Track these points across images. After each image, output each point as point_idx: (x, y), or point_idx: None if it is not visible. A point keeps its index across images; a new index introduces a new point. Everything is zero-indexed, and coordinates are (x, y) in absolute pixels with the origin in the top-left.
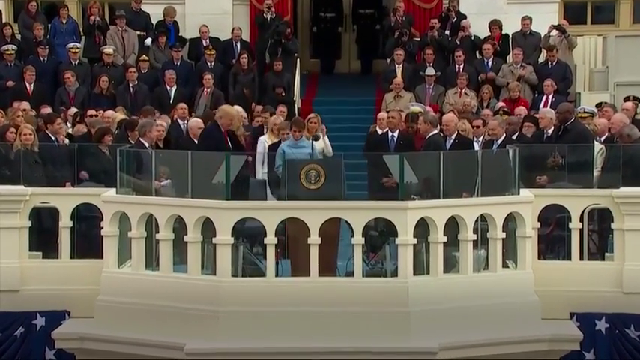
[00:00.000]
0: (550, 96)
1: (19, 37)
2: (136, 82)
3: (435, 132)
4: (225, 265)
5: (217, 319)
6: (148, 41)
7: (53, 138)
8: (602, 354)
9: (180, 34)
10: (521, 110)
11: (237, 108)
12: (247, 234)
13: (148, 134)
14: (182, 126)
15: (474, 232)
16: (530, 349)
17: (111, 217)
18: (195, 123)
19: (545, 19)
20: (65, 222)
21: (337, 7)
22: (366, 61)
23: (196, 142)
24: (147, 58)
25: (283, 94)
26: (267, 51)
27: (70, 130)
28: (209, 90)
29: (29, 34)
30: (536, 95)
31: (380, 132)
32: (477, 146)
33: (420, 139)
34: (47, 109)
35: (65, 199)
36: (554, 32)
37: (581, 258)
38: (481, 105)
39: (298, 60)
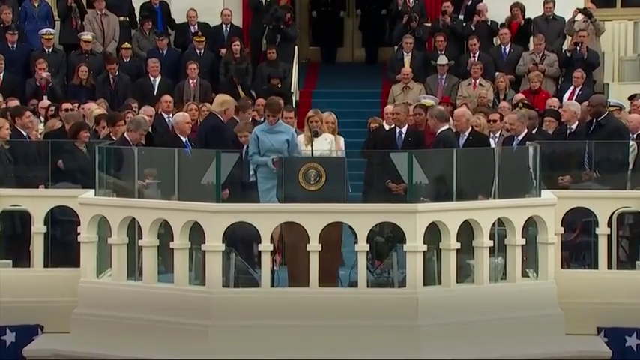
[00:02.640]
0: (578, 88)
1: None
2: (117, 73)
3: (446, 127)
4: (215, 275)
5: (207, 333)
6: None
7: (24, 134)
8: None
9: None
10: (554, 102)
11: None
12: (240, 240)
13: (133, 132)
14: (167, 120)
15: (490, 238)
16: None
17: (89, 222)
18: (183, 117)
19: (570, 2)
20: (38, 227)
21: None
22: (371, 49)
23: (183, 138)
24: (129, 45)
25: (279, 85)
26: (264, 38)
27: (42, 125)
28: (195, 81)
29: None
30: (560, 86)
31: (387, 127)
32: (493, 143)
33: (430, 134)
34: (14, 102)
35: (38, 202)
36: (580, 16)
37: (610, 267)
38: (497, 97)
39: (296, 48)
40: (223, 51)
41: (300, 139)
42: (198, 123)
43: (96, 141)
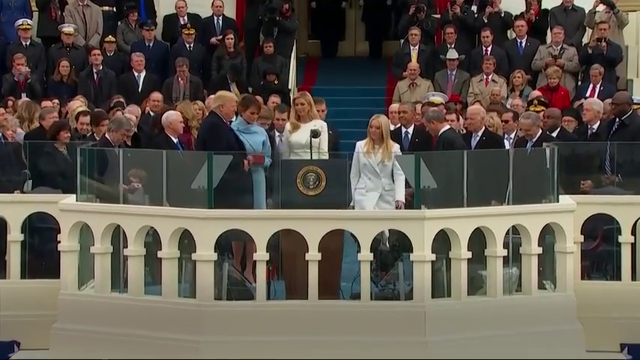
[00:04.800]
0: (598, 85)
1: None
2: (101, 68)
3: (447, 127)
4: (207, 286)
5: (198, 350)
6: None
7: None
8: None
9: (153, 9)
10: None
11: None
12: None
13: (114, 132)
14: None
15: (504, 247)
16: None
17: (70, 229)
18: (177, 116)
19: None
20: (14, 235)
21: None
22: (374, 43)
23: (174, 139)
24: (113, 39)
25: (276, 81)
26: (261, 31)
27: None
28: (185, 77)
29: None
30: (580, 83)
31: (392, 127)
32: (508, 144)
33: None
34: None
35: (14, 208)
36: (601, 7)
37: (634, 278)
38: (512, 94)
39: (294, 41)
40: (214, 40)
41: (287, 126)
42: (188, 124)
43: (77, 142)
